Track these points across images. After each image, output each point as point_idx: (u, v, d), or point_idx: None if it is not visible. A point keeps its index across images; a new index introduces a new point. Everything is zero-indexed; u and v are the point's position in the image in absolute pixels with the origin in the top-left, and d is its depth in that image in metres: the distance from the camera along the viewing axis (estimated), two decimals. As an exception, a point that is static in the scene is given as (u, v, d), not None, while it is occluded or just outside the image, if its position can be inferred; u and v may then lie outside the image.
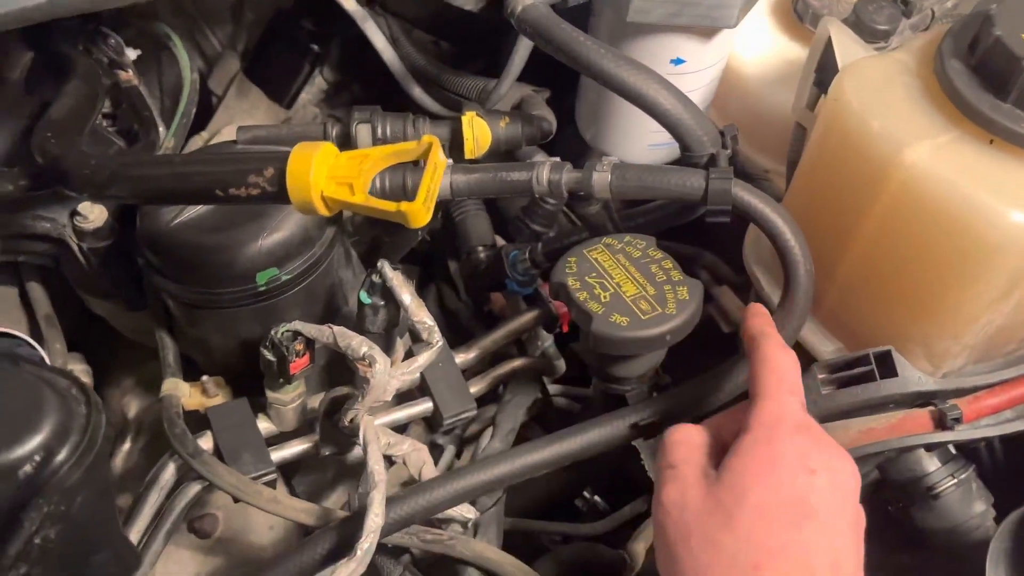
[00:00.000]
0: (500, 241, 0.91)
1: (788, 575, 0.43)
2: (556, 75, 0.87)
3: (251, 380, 0.71)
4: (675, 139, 0.62)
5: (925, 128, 0.55)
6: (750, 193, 0.59)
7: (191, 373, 0.74)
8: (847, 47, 0.61)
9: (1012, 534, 0.63)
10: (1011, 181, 0.52)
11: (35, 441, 0.41)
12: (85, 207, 0.69)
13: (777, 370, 0.50)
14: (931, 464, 0.68)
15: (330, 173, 0.49)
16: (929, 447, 0.63)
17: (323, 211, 0.50)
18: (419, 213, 0.48)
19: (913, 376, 0.59)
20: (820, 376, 0.61)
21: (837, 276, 0.63)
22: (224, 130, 1.03)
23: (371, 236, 0.89)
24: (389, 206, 0.48)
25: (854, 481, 0.48)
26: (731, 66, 0.80)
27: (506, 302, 0.89)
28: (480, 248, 0.88)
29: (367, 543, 0.57)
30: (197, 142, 0.94)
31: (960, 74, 0.55)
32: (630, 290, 0.62)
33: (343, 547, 0.60)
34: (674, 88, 0.61)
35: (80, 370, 0.79)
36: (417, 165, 0.63)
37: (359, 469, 0.80)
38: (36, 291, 0.78)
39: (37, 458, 0.41)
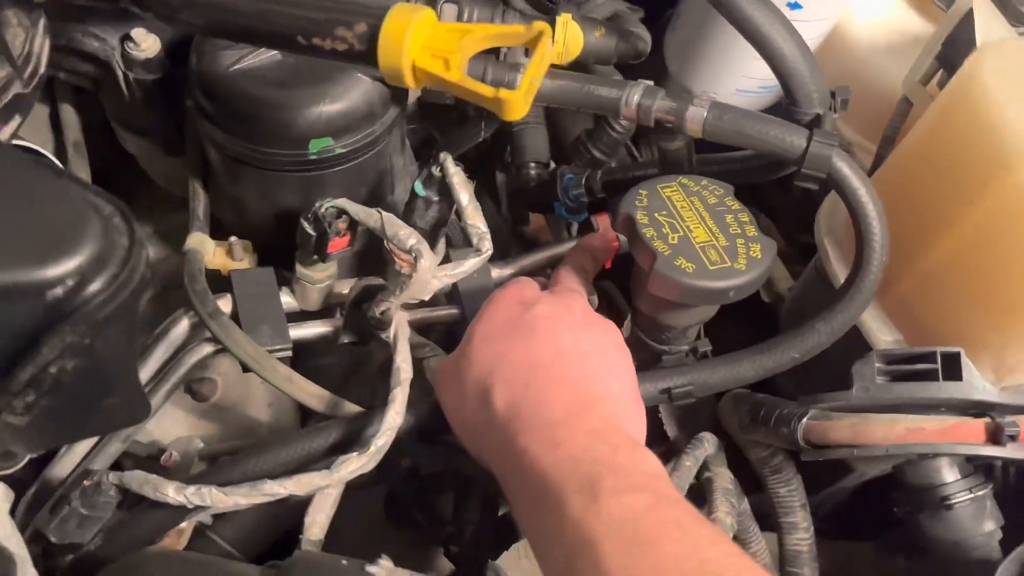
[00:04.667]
0: (552, 163, 0.87)
1: (515, 371, 0.50)
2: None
3: (278, 251, 0.68)
4: (783, 89, 0.58)
5: (1062, 127, 0.51)
6: (850, 167, 0.55)
7: (215, 233, 0.70)
8: (989, 24, 0.56)
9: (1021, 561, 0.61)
10: None
11: (70, 264, 0.37)
12: (139, 33, 0.65)
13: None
14: (950, 474, 0.66)
15: (426, 43, 0.45)
16: (970, 459, 0.61)
17: (410, 83, 0.46)
18: (518, 103, 0.44)
19: (978, 383, 0.56)
20: (878, 365, 0.59)
21: (918, 266, 0.59)
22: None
23: (423, 130, 0.85)
24: (486, 90, 0.44)
25: (577, 306, 0.56)
26: (839, 25, 0.75)
27: (546, 226, 0.85)
28: (533, 164, 0.83)
29: (383, 440, 0.55)
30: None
31: (1111, 76, 0.51)
32: (700, 236, 0.59)
33: (353, 440, 0.57)
34: (798, 35, 0.57)
35: (100, 206, 0.75)
36: (498, 58, 0.59)
37: (369, 362, 0.77)
38: (68, 114, 0.74)
39: (69, 283, 0.37)
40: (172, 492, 0.54)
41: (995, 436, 0.55)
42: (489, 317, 0.55)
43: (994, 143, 0.52)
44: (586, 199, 0.80)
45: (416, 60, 0.45)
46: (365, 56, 0.45)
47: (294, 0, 0.47)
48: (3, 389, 0.38)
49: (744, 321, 0.82)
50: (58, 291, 0.37)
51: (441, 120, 0.84)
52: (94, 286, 0.38)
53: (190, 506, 0.54)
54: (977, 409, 0.58)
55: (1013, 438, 0.55)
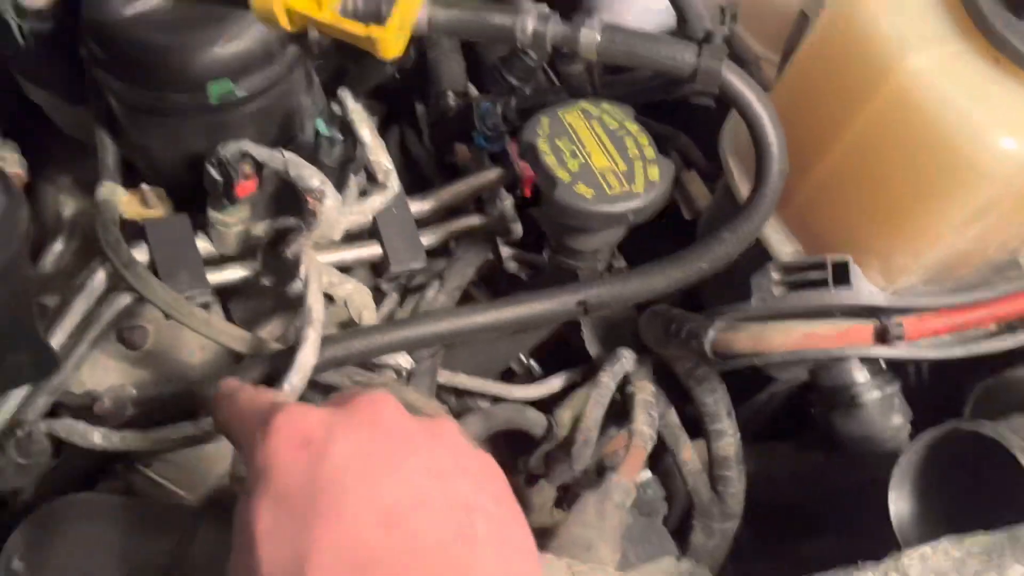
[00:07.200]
0: (473, 91, 0.86)
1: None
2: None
3: (194, 196, 0.68)
4: (673, 7, 0.58)
5: (934, 35, 0.52)
6: (740, 79, 0.56)
7: (133, 179, 0.70)
8: (871, -65, 0.57)
9: (924, 451, 0.65)
10: (1009, 106, 0.51)
11: (-55, 227, 0.38)
12: (27, -18, 0.63)
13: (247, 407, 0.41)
14: (861, 375, 0.69)
15: (298, -18, 0.45)
16: (866, 359, 0.64)
17: (284, 23, 0.46)
18: (389, 42, 0.44)
19: (866, 289, 0.59)
20: (774, 275, 0.61)
21: (811, 177, 0.61)
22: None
23: (336, 62, 0.84)
24: (357, 28, 0.44)
25: (388, 422, 0.38)
26: (743, -62, 0.75)
27: (470, 156, 0.86)
28: (450, 93, 0.83)
29: (297, 379, 0.57)
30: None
31: (982, -17, 0.52)
32: (600, 162, 0.60)
33: (273, 379, 0.59)
34: (682, -49, 0.57)
35: (13, 160, 0.75)
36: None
37: (298, 303, 0.79)
38: (-32, 68, 0.72)
39: (-53, 246, 0.38)
40: (98, 438, 0.56)
41: (883, 336, 0.58)
42: (264, 491, 0.35)
43: (870, 55, 0.53)
44: (504, 127, 0.80)
45: (289, 1, 0.45)
46: (237, -2, 0.45)
47: (161, -58, 0.46)
48: None
49: (669, 239, 0.84)
50: (-66, 255, 0.38)
51: (353, 50, 0.83)
52: (-28, 248, 0.39)
53: (116, 451, 0.56)
54: (868, 313, 0.60)
55: (900, 338, 0.58)
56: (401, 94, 0.89)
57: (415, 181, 0.84)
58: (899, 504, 0.64)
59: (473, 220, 0.77)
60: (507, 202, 0.79)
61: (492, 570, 0.35)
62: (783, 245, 0.65)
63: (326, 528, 0.34)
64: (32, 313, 0.44)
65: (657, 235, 0.73)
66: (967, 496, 0.65)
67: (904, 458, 0.65)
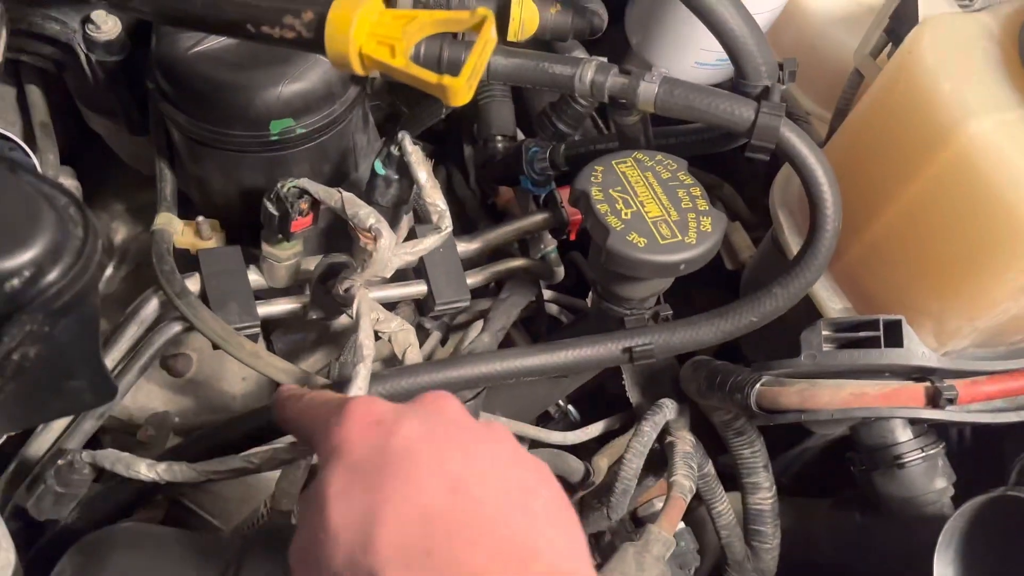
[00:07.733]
0: (520, 135, 0.87)
1: (404, 534, 0.36)
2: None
3: (246, 229, 0.69)
4: (732, 63, 0.59)
5: (995, 100, 0.52)
6: (798, 136, 0.57)
7: (186, 211, 0.71)
8: (932, -1, 0.58)
9: (971, 516, 0.64)
10: (1070, 174, 0.50)
11: (26, 256, 0.38)
12: (99, 16, 0.65)
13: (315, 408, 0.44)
14: (903, 435, 0.68)
15: (372, 30, 0.46)
16: (913, 421, 0.63)
17: (358, 69, 0.47)
18: (461, 90, 0.45)
19: (918, 350, 0.58)
20: (824, 333, 0.61)
21: (864, 236, 0.61)
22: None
23: (390, 103, 0.86)
24: (430, 77, 0.45)
25: (451, 411, 0.42)
26: (796, -5, 0.76)
27: (515, 199, 0.87)
28: (499, 137, 0.84)
29: (344, 414, 0.57)
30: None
31: (1044, 50, 0.52)
32: (653, 211, 0.60)
33: (318, 413, 0.59)
34: (745, 9, 0.58)
35: (70, 186, 0.76)
36: (456, 38, 0.60)
37: (341, 336, 0.79)
38: (35, 95, 0.74)
39: (26, 274, 0.38)
40: (144, 469, 0.56)
41: (934, 400, 0.57)
42: (340, 458, 0.38)
43: (930, 118, 0.53)
44: (551, 172, 0.81)
45: (363, 47, 0.46)
46: (312, 44, 0.46)
47: (242, -12, 0.48)
48: (-34, 377, 0.39)
49: (712, 288, 0.84)
50: (15, 282, 0.38)
51: (408, 93, 0.84)
52: (51, 276, 0.39)
53: (161, 482, 0.56)
54: (919, 374, 0.60)
55: (951, 401, 0.57)
56: (449, 136, 0.90)
57: (459, 221, 0.84)
58: (944, 569, 0.62)
59: (518, 263, 0.77)
60: (551, 247, 0.79)
61: (550, 542, 0.37)
62: (832, 301, 0.64)
63: (395, 488, 0.36)
64: (98, 341, 0.45)
65: (690, 282, 0.73)
66: (1011, 563, 0.64)
67: (951, 523, 0.64)
